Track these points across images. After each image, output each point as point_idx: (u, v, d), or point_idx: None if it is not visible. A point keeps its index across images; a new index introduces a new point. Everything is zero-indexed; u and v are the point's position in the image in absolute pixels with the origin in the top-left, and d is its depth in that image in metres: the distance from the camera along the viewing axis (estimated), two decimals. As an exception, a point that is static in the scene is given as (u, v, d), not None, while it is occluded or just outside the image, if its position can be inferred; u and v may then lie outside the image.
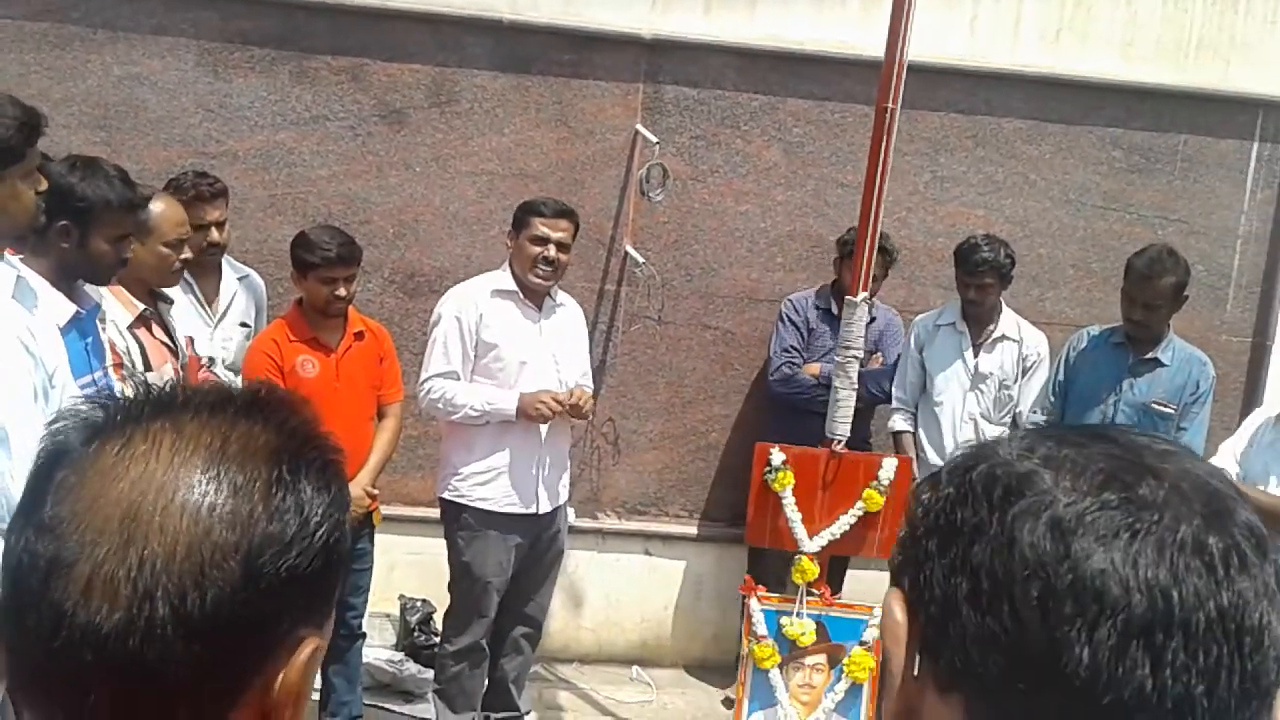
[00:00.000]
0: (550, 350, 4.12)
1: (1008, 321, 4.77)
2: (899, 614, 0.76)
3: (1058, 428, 0.77)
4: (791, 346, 4.98)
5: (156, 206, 3.31)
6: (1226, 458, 4.00)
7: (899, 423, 4.85)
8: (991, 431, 4.62)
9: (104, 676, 0.71)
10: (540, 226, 4.01)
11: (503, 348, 4.02)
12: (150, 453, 0.74)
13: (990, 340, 4.73)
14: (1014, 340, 4.74)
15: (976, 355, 4.70)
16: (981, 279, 4.58)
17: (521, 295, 4.07)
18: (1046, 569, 0.68)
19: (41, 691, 0.73)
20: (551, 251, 4.02)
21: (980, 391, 4.72)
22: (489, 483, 4.04)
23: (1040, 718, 0.68)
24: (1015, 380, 4.73)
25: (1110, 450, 0.73)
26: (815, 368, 4.91)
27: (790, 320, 5.00)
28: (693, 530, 5.34)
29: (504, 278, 4.10)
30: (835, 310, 4.75)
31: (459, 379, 4.01)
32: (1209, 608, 0.67)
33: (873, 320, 4.72)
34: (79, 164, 2.84)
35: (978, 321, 4.73)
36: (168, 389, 0.80)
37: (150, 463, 0.74)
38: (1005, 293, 4.81)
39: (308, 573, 0.76)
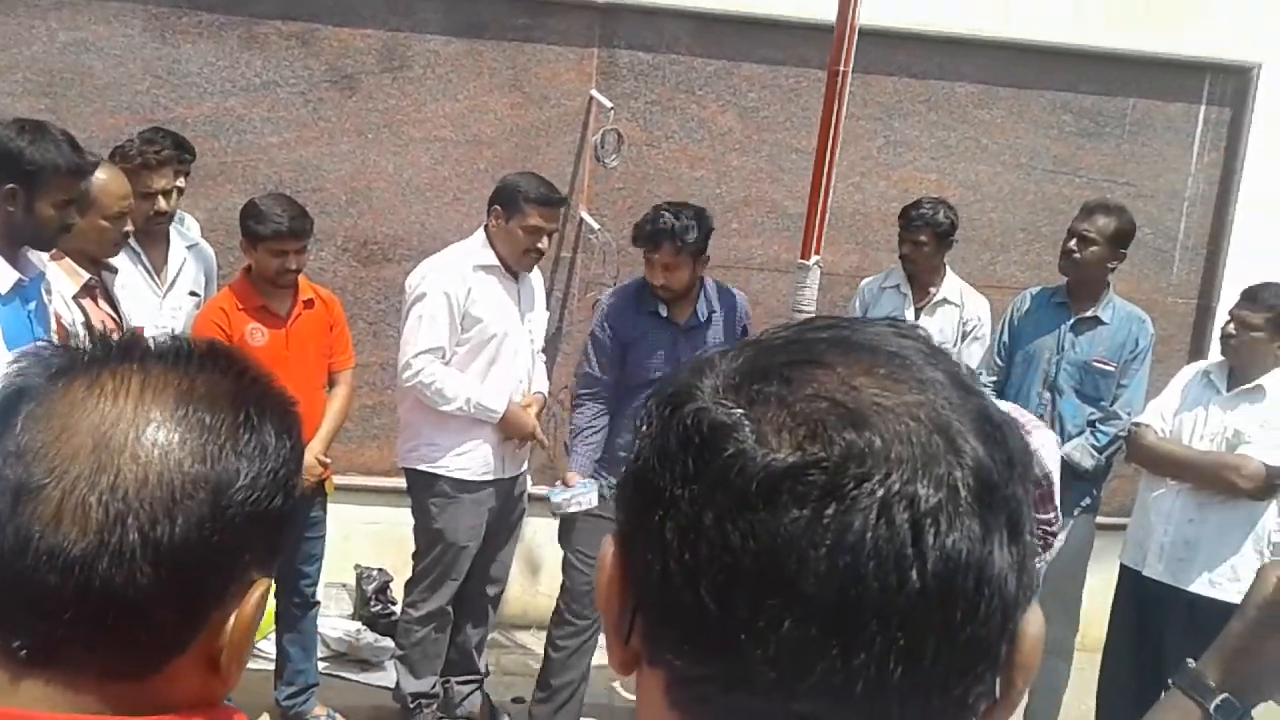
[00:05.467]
0: (526, 320, 4.16)
1: (950, 286, 4.79)
2: (609, 563, 0.67)
3: (774, 350, 0.65)
4: (590, 376, 4.08)
5: (99, 178, 3.26)
6: (1153, 415, 4.09)
7: None
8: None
9: (70, 599, 0.74)
10: (536, 218, 3.96)
11: (487, 321, 4.01)
12: (120, 389, 0.78)
13: (931, 303, 4.75)
14: (955, 305, 4.76)
15: (917, 318, 4.73)
16: (915, 235, 4.60)
17: (503, 269, 4.07)
18: (732, 553, 0.58)
19: (4, 613, 0.77)
20: (545, 243, 4.03)
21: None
22: (466, 453, 4.06)
23: (732, 715, 0.61)
24: (954, 344, 4.75)
25: (823, 386, 0.61)
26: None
27: (595, 336, 4.11)
28: (650, 495, 5.37)
29: (484, 252, 4.05)
30: (664, 312, 4.03)
31: (444, 354, 4.00)
32: (910, 580, 0.57)
33: (712, 314, 4.14)
34: (27, 127, 2.82)
35: (919, 284, 4.75)
36: (129, 338, 0.84)
37: (121, 398, 0.78)
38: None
39: (268, 511, 0.80)
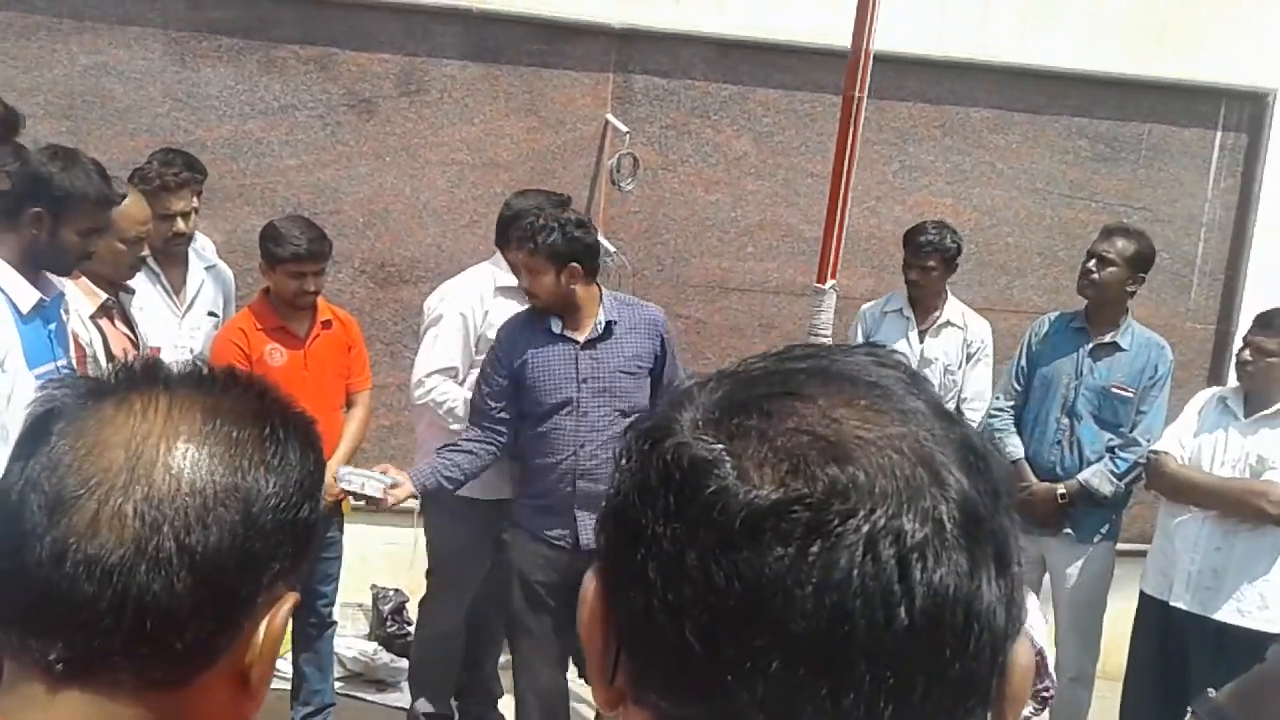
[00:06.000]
0: None
1: (952, 308, 4.77)
2: (591, 599, 0.65)
3: (753, 381, 0.65)
4: (474, 405, 3.79)
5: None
6: (1172, 443, 4.06)
7: None
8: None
9: (108, 607, 0.76)
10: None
11: None
12: (149, 407, 0.81)
13: (935, 326, 4.73)
14: (959, 327, 4.74)
15: (922, 341, 4.72)
16: (924, 261, 4.59)
17: (523, 293, 4.06)
18: (716, 593, 0.57)
19: (42, 623, 0.77)
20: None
21: (925, 376, 4.73)
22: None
23: None
24: (959, 366, 4.73)
25: (803, 419, 0.60)
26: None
27: (483, 368, 3.81)
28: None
29: (504, 274, 4.06)
30: (557, 328, 3.71)
31: (458, 374, 4.01)
32: (898, 617, 0.56)
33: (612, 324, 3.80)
34: (60, 154, 2.87)
35: (923, 307, 4.73)
36: (150, 362, 0.86)
37: (150, 415, 0.80)
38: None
39: (295, 520, 0.83)
